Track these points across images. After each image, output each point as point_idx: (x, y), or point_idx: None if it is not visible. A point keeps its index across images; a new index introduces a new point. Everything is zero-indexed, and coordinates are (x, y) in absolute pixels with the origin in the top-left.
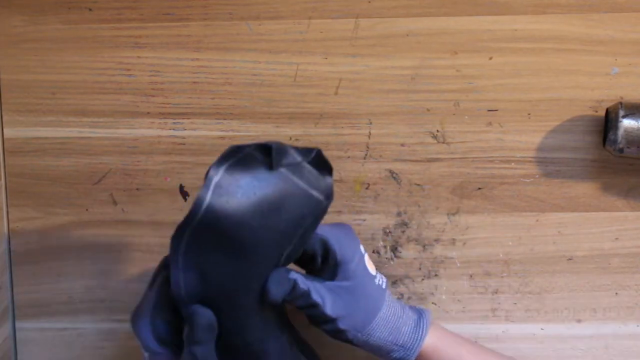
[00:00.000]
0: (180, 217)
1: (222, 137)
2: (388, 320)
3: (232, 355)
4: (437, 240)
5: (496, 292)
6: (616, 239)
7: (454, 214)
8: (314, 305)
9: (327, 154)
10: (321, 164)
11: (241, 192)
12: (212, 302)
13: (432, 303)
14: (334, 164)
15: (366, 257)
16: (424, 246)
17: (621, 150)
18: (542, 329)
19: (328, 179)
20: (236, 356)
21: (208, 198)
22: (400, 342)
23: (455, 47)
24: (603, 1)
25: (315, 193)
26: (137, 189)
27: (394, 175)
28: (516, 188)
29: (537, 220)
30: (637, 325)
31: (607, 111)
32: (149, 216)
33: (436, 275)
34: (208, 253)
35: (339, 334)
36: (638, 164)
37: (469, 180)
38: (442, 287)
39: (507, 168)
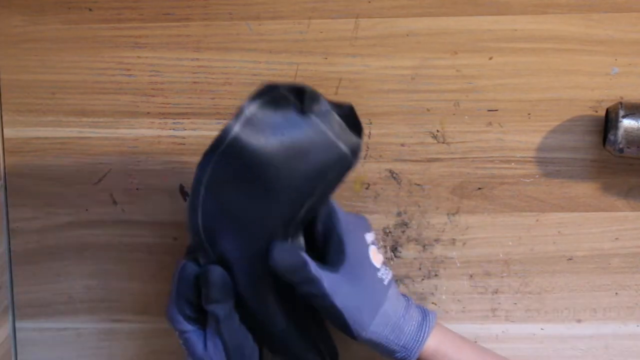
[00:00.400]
0: (180, 217)
1: None
2: (389, 318)
3: (245, 305)
4: (437, 240)
5: (496, 292)
6: (616, 239)
7: (454, 214)
8: (324, 295)
9: None
10: (351, 121)
11: (270, 130)
12: (226, 235)
13: (432, 303)
14: None
15: (372, 249)
16: (424, 246)
17: (621, 150)
18: (542, 329)
19: (356, 138)
20: (248, 307)
21: (236, 129)
22: (402, 342)
23: (455, 47)
24: (603, 1)
25: (342, 146)
26: (137, 189)
27: (394, 175)
28: (516, 188)
29: (537, 220)
30: (637, 325)
31: (607, 111)
32: (149, 216)
33: (436, 275)
34: (229, 185)
35: (344, 328)
36: (638, 164)
37: (469, 180)
38: (442, 287)
39: (507, 168)
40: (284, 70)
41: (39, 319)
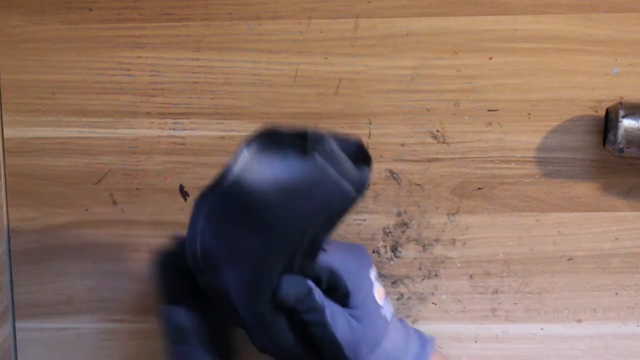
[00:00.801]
0: (180, 217)
1: (222, 137)
2: (387, 353)
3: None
4: (437, 240)
5: (496, 292)
6: (616, 239)
7: (454, 214)
8: (324, 325)
9: None
10: (359, 155)
11: (269, 172)
12: (223, 263)
13: (432, 303)
14: None
15: (376, 286)
16: (424, 246)
17: (621, 150)
18: (542, 329)
19: (364, 172)
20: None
21: (236, 171)
22: None
23: (455, 47)
24: (603, 1)
25: (346, 184)
26: (137, 189)
27: (394, 175)
28: (516, 188)
29: (537, 220)
30: (637, 325)
31: (607, 111)
32: (149, 216)
33: (436, 275)
34: (227, 221)
35: None
36: (638, 164)
37: (469, 180)
38: (442, 287)
39: (507, 168)
40: (284, 70)
41: (39, 319)
